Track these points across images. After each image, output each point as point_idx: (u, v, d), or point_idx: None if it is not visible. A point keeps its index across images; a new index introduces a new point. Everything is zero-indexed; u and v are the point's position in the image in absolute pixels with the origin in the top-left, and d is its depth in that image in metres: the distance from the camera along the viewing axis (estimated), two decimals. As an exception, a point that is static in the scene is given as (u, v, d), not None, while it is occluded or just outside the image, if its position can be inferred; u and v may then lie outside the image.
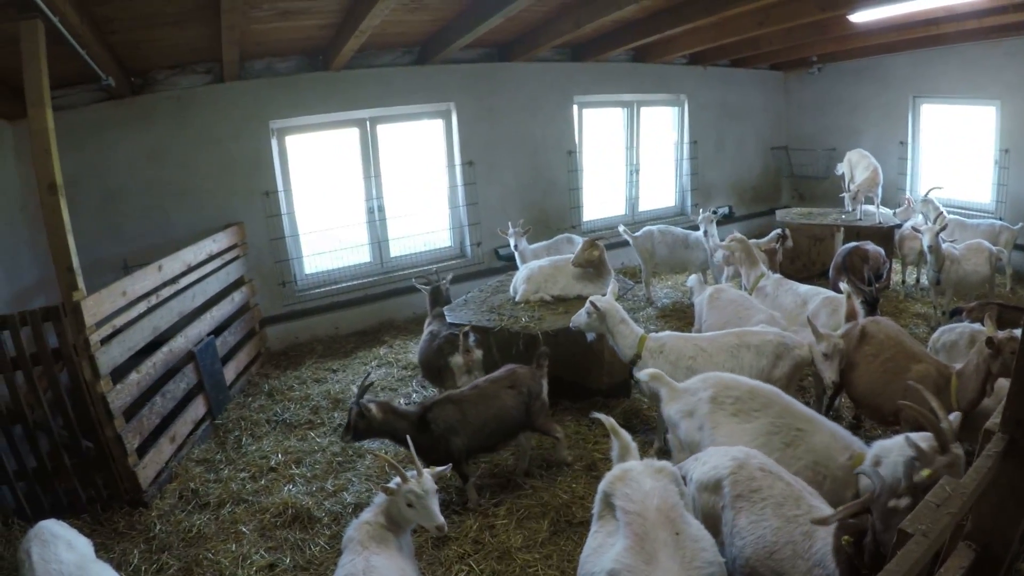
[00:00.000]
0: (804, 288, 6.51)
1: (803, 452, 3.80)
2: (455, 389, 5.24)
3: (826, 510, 3.05)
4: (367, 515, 3.55)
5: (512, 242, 8.46)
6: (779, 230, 8.62)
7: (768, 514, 3.11)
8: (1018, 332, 5.03)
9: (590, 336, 5.74)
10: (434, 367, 6.25)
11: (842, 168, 9.90)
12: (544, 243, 9.06)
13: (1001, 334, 4.31)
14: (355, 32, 6.79)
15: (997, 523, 2.62)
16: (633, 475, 3.24)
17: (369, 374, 5.52)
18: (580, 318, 5.50)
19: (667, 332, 5.51)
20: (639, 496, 3.09)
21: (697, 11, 7.92)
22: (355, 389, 4.79)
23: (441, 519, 3.61)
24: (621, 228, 9.43)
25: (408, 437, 4.17)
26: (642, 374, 4.34)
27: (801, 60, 12.28)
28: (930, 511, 2.23)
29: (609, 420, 3.80)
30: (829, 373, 4.97)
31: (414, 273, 9.28)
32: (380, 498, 3.63)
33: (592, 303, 5.39)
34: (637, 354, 5.24)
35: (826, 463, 3.77)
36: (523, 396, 4.99)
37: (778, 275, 6.99)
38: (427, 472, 3.67)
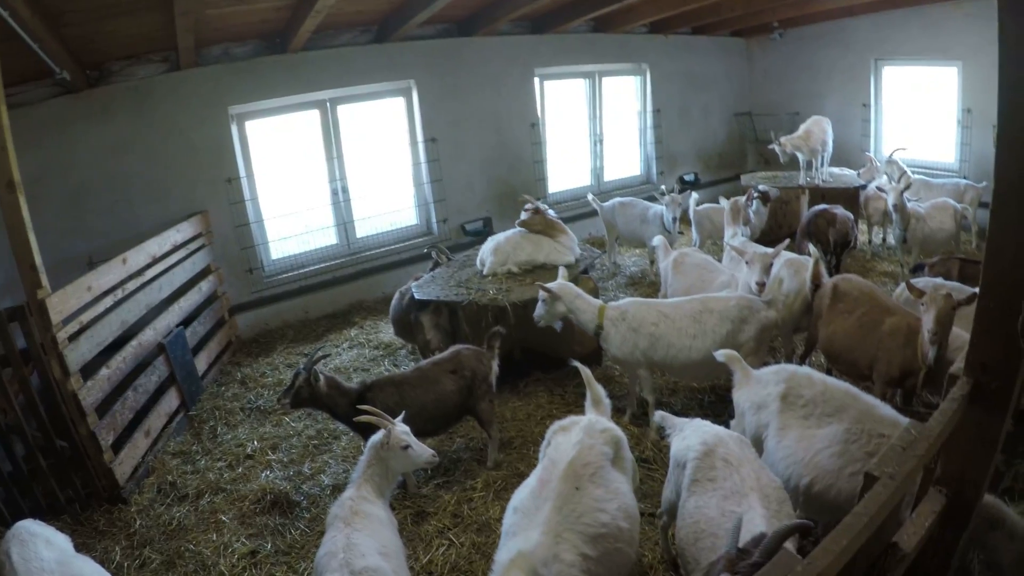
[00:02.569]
0: (769, 250, 6.63)
1: None
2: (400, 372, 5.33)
3: (757, 517, 2.89)
4: (349, 492, 3.62)
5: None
6: (755, 189, 8.59)
7: (711, 504, 3.10)
8: (943, 282, 5.26)
9: (558, 325, 5.79)
10: (404, 323, 6.67)
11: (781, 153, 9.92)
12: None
13: (920, 282, 4.48)
14: (311, 12, 6.73)
15: (966, 467, 2.66)
16: (572, 428, 3.43)
17: (321, 348, 5.55)
18: (540, 310, 5.52)
19: (629, 299, 5.53)
20: (564, 447, 3.29)
21: None
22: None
23: (431, 450, 3.95)
24: (590, 197, 9.52)
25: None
26: (719, 354, 4.24)
27: (763, 26, 12.41)
28: (896, 454, 2.28)
29: (585, 370, 3.95)
30: (754, 276, 5.25)
31: (382, 253, 9.52)
32: (359, 473, 3.73)
33: (543, 288, 5.42)
34: (599, 325, 5.29)
35: None
36: (466, 380, 4.98)
37: (743, 238, 7.09)
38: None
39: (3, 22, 4.75)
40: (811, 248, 6.94)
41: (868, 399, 3.65)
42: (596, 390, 3.88)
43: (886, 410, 3.57)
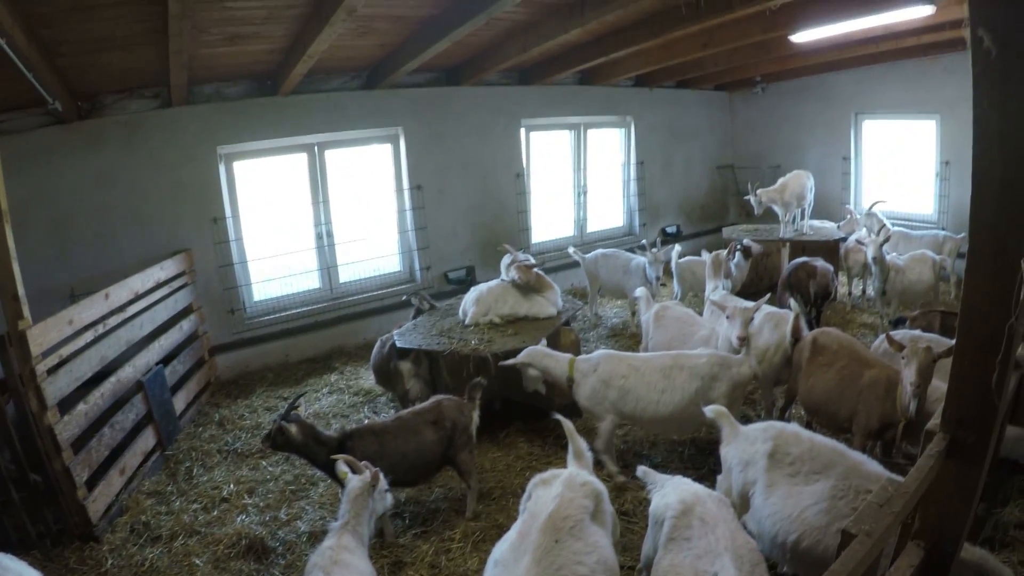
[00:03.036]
0: (748, 305, 6.68)
1: None
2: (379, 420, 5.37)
3: None
4: (330, 540, 3.56)
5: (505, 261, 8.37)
6: (739, 242, 8.65)
7: (685, 563, 3.09)
8: (922, 334, 5.34)
9: (542, 388, 5.90)
10: (384, 371, 6.62)
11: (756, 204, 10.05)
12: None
13: (899, 334, 4.55)
14: (303, 56, 6.82)
15: (944, 520, 2.69)
16: (553, 481, 3.42)
17: (299, 396, 5.52)
18: (527, 378, 5.65)
19: (601, 351, 5.56)
20: (544, 499, 3.28)
21: (643, 34, 8.12)
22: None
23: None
24: (571, 250, 9.57)
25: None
26: (708, 410, 4.25)
27: (745, 80, 12.76)
28: (873, 511, 2.30)
29: (567, 423, 3.95)
30: (735, 331, 5.27)
31: (364, 299, 9.50)
32: (340, 522, 3.68)
33: (513, 364, 5.53)
34: (570, 377, 5.36)
35: None
36: (446, 431, 4.94)
37: (724, 291, 7.15)
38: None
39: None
40: (791, 302, 7.01)
41: (855, 456, 3.67)
42: (577, 443, 3.89)
43: (873, 466, 3.58)
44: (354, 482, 3.86)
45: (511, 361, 5.50)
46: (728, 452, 4.11)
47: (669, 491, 3.50)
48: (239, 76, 8.34)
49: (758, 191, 9.72)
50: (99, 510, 5.19)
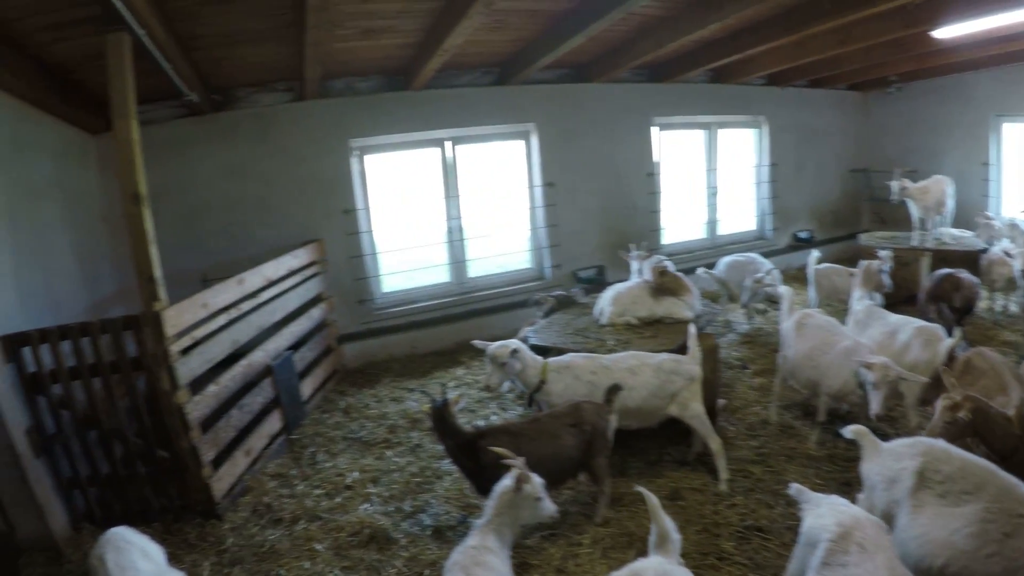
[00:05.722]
0: (895, 318, 6.01)
1: None
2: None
3: None
4: (472, 539, 3.44)
5: (634, 265, 8.10)
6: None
7: None
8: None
9: (505, 386, 5.76)
10: None
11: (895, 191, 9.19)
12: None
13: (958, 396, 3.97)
14: (437, 51, 6.76)
15: None
16: None
17: (446, 391, 5.35)
18: (493, 373, 5.27)
19: (571, 355, 5.40)
20: None
21: (778, 30, 7.68)
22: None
23: (555, 507, 3.85)
24: (701, 271, 9.09)
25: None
26: (846, 431, 3.92)
27: (880, 79, 11.83)
28: None
29: (652, 499, 3.48)
30: (874, 404, 4.62)
31: (492, 295, 9.41)
32: (484, 520, 3.56)
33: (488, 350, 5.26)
34: (542, 380, 5.20)
35: None
36: (586, 435, 4.65)
37: (871, 302, 6.56)
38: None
39: (138, 42, 4.88)
40: (956, 331, 6.28)
41: (1007, 477, 3.28)
42: (663, 524, 3.37)
43: None
44: (504, 482, 3.71)
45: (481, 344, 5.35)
46: (870, 469, 3.76)
47: (825, 512, 3.19)
48: (371, 71, 8.38)
49: (904, 180, 8.89)
50: (223, 489, 5.23)
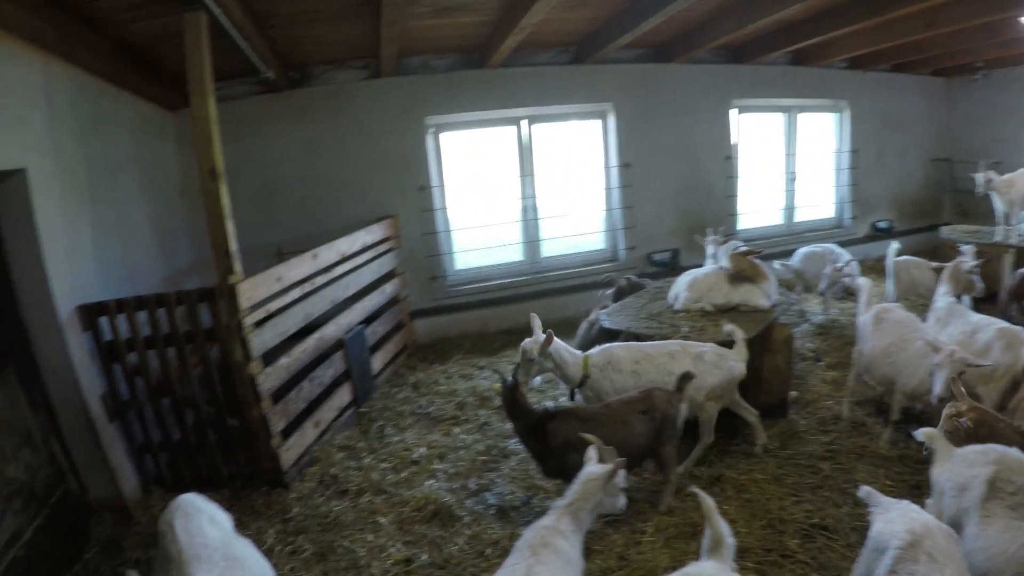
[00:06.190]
0: (977, 317, 5.64)
1: None
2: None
3: None
4: (547, 519, 3.41)
5: (709, 250, 7.96)
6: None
7: None
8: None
9: (535, 381, 5.62)
10: None
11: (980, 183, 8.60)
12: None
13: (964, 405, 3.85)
14: (514, 30, 6.69)
15: None
16: None
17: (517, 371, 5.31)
18: (527, 370, 5.13)
19: (606, 345, 5.28)
20: None
21: (861, 12, 7.35)
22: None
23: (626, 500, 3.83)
24: (777, 264, 8.78)
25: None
26: (918, 433, 3.80)
27: (966, 66, 11.13)
28: None
29: (708, 501, 3.28)
30: (938, 385, 4.39)
31: (565, 275, 9.33)
32: (565, 502, 3.52)
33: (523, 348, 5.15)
34: (586, 374, 5.08)
35: None
36: (656, 422, 4.55)
37: (952, 299, 6.20)
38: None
39: (215, 20, 4.97)
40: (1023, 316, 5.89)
41: None
42: (718, 527, 3.17)
43: None
44: (594, 469, 3.67)
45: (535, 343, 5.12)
46: (940, 474, 3.57)
47: (896, 517, 3.06)
48: (447, 49, 8.39)
49: (990, 173, 8.35)
50: (291, 459, 5.35)
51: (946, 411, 3.88)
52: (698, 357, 5.02)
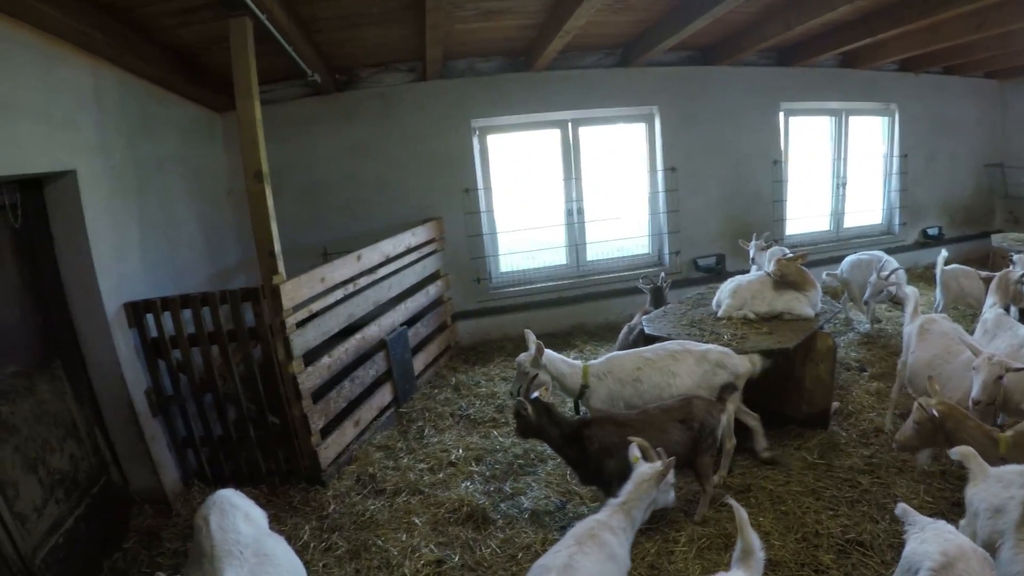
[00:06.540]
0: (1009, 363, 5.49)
1: None
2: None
3: None
4: (601, 514, 3.48)
5: (752, 254, 7.88)
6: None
7: None
8: None
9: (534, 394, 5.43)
10: None
11: None
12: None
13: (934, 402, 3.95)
14: (559, 32, 6.67)
15: None
16: None
17: (538, 373, 5.30)
18: (530, 386, 4.92)
19: (607, 355, 5.32)
20: None
21: (911, 13, 7.12)
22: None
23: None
24: (824, 275, 8.58)
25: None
26: (953, 452, 3.71)
27: (1018, 68, 10.67)
28: None
29: (741, 513, 3.23)
30: (976, 389, 4.35)
31: (609, 279, 9.25)
32: (620, 499, 3.58)
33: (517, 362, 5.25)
34: (584, 384, 5.04)
35: None
36: (693, 431, 4.48)
37: (1000, 310, 5.97)
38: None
39: (261, 25, 5.06)
40: None
41: None
42: (749, 539, 3.15)
43: None
44: (645, 468, 3.70)
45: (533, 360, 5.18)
46: (975, 495, 3.47)
47: (930, 538, 3.01)
48: (492, 52, 8.42)
49: None
50: (329, 457, 5.43)
51: (916, 404, 3.97)
52: (701, 357, 5.01)
